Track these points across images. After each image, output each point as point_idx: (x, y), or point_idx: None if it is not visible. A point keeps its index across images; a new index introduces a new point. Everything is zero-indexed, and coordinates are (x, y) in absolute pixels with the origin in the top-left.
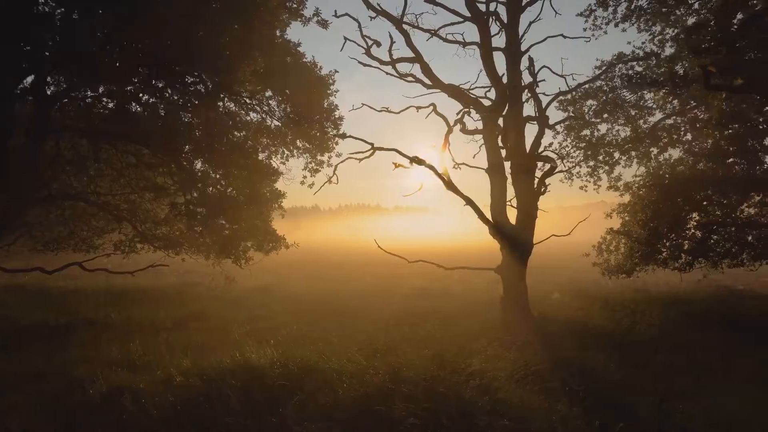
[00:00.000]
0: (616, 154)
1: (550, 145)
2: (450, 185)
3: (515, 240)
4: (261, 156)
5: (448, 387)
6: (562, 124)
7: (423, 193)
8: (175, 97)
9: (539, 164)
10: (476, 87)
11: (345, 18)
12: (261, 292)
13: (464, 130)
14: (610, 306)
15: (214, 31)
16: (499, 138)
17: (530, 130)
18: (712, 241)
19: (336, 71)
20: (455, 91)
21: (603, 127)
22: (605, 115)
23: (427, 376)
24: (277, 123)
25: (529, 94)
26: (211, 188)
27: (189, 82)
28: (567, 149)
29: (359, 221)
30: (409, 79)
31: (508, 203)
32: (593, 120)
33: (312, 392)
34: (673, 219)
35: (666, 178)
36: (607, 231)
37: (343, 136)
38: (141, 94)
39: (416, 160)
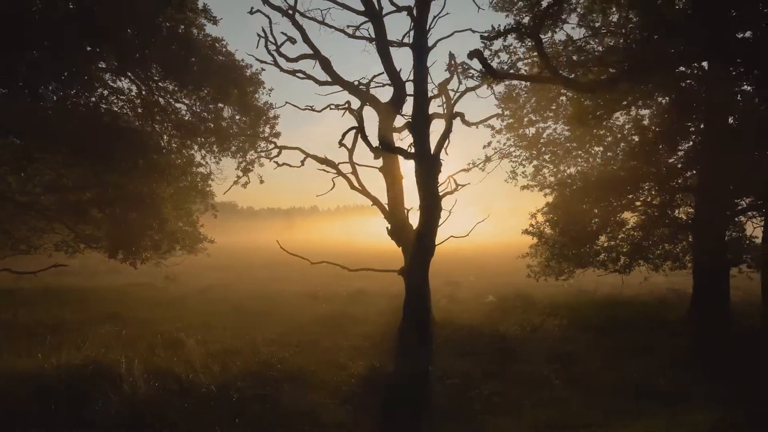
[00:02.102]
0: (560, 152)
1: (489, 144)
2: (354, 185)
3: (416, 242)
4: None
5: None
6: (502, 122)
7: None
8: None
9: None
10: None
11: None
12: (200, 293)
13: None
14: (521, 310)
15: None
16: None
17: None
18: (650, 242)
19: (263, 69)
20: (353, 88)
21: (548, 125)
22: (547, 113)
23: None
24: (190, 118)
25: (439, 91)
26: (109, 188)
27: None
28: (509, 148)
29: (357, 222)
30: (300, 75)
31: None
32: (532, 117)
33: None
34: (602, 221)
35: (593, 177)
36: (523, 231)
37: (257, 136)
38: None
39: (321, 160)
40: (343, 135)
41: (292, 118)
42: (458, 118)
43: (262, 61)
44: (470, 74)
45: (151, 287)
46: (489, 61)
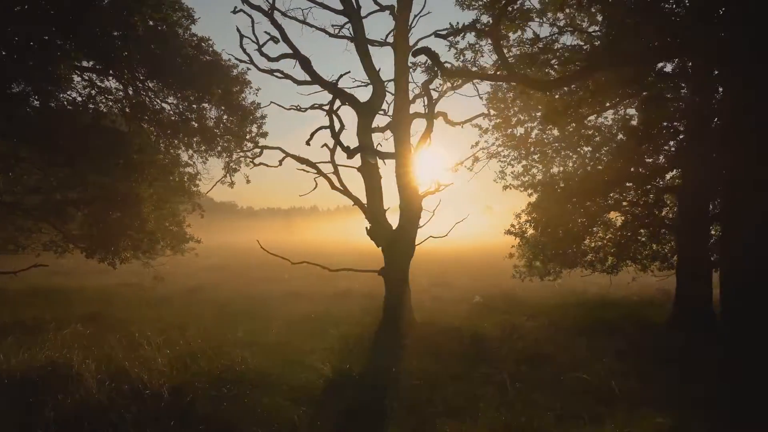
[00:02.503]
0: (550, 152)
1: (477, 143)
2: (334, 186)
3: (395, 242)
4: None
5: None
6: (490, 122)
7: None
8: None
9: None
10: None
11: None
12: (188, 293)
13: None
14: (502, 311)
15: None
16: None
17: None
18: (638, 243)
19: (249, 69)
20: (333, 87)
21: (536, 125)
22: (535, 113)
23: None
24: (175, 118)
25: (422, 91)
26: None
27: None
28: (497, 148)
29: (357, 222)
30: (278, 75)
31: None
32: (520, 116)
33: None
34: (586, 221)
35: (576, 176)
36: (505, 232)
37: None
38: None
39: (301, 160)
40: (312, 135)
41: (281, 118)
42: (441, 118)
43: (241, 61)
44: (427, 71)
45: (139, 287)
46: (457, 59)
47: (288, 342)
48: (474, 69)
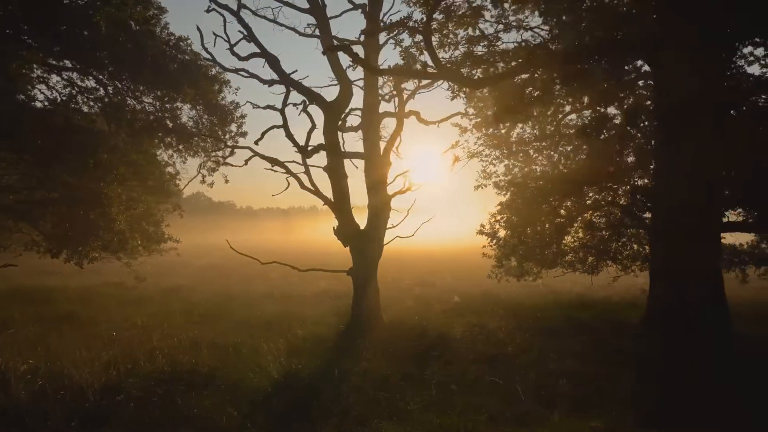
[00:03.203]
0: (531, 151)
1: (457, 143)
2: (304, 185)
3: (362, 241)
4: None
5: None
6: (470, 121)
7: (418, 194)
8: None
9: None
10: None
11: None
12: (169, 292)
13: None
14: (473, 311)
15: None
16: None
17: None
18: (619, 243)
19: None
20: (301, 87)
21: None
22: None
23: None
24: (150, 117)
25: (394, 90)
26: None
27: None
28: (478, 147)
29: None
30: (244, 74)
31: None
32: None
33: None
34: (558, 221)
35: (549, 176)
36: (478, 232)
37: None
38: None
39: (270, 160)
40: (263, 134)
41: (258, 118)
42: (414, 117)
43: (208, 60)
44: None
45: (121, 287)
46: (402, 57)
47: (244, 343)
48: (417, 66)
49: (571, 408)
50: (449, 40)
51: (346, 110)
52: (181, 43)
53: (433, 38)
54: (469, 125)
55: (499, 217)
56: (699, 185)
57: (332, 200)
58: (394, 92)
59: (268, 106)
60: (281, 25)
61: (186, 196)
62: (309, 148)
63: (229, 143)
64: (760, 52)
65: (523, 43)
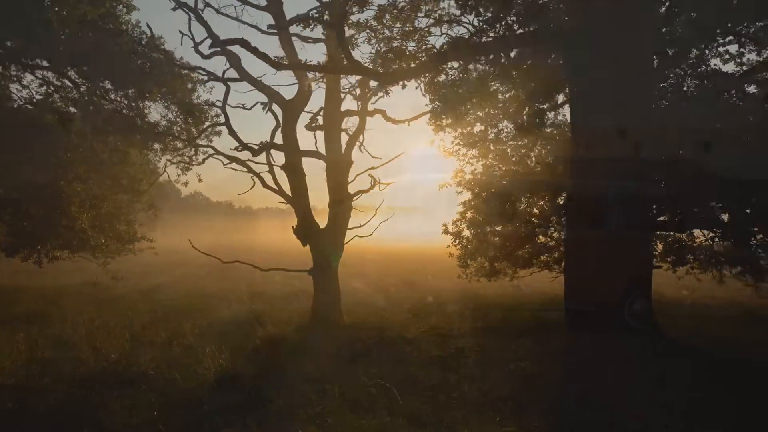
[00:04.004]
0: (509, 150)
1: (433, 142)
2: (266, 184)
3: (322, 241)
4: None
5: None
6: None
7: (415, 192)
8: None
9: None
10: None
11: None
12: (144, 292)
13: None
14: (442, 312)
15: None
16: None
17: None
18: None
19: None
20: (261, 85)
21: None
22: (492, 110)
23: None
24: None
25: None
26: None
27: None
28: (454, 147)
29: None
30: (201, 73)
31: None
32: (479, 113)
33: None
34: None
35: (513, 175)
36: (443, 231)
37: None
38: None
39: (230, 158)
40: (200, 132)
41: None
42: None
43: (181, 59)
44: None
45: (100, 287)
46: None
47: (192, 345)
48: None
49: (508, 412)
50: (382, 35)
51: (305, 108)
52: (155, 42)
53: (367, 32)
54: (443, 123)
55: (462, 217)
56: None
57: (293, 198)
58: (358, 90)
59: (239, 105)
60: (244, 23)
61: (184, 195)
62: (256, 147)
63: (203, 142)
64: None
65: (447, 38)
